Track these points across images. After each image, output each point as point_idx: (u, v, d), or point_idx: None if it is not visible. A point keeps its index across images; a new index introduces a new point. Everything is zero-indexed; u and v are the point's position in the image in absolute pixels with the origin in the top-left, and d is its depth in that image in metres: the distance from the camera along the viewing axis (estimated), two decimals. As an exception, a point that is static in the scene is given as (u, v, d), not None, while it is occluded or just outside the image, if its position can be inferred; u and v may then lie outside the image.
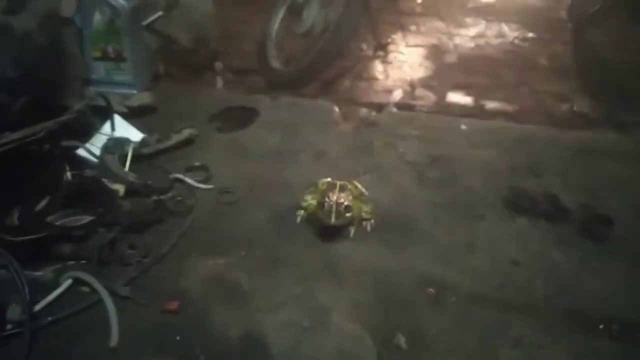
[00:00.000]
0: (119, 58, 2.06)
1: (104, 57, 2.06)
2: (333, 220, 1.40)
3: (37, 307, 1.18)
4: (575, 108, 2.19)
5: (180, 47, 2.50)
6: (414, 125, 2.01)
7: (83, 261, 1.32)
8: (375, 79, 2.50)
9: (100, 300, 1.21)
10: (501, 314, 1.27)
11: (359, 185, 1.59)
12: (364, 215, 1.51)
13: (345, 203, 1.43)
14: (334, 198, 1.43)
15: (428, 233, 1.50)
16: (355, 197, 1.51)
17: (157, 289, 1.28)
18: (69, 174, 1.30)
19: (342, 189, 1.49)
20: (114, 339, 1.12)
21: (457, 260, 1.41)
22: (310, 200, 1.51)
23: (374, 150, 1.87)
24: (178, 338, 1.17)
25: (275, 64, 2.47)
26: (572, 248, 1.45)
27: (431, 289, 1.32)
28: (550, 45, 2.70)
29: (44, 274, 1.24)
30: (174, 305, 1.22)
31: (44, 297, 1.20)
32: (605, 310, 1.28)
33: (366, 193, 1.59)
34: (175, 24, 2.53)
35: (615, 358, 1.18)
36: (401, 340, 1.19)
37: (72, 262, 1.32)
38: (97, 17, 1.98)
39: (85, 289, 1.25)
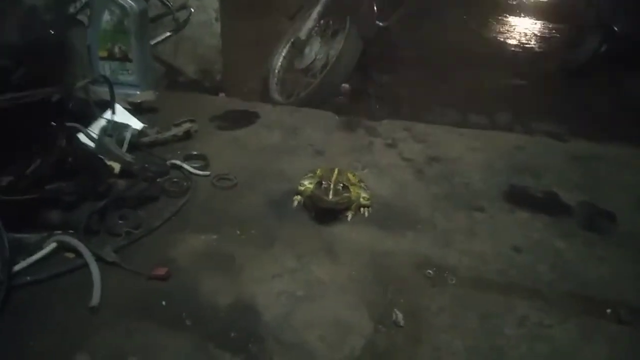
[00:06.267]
0: (124, 58, 2.08)
1: (110, 57, 2.09)
2: (331, 197, 1.34)
3: (17, 267, 1.11)
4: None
5: (185, 78, 2.57)
6: (411, 131, 2.02)
7: (71, 231, 1.26)
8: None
9: (85, 265, 1.15)
10: (504, 295, 1.21)
11: (357, 174, 1.57)
12: (362, 201, 1.47)
13: (344, 184, 1.40)
14: (333, 179, 1.40)
15: (427, 220, 1.47)
16: (353, 184, 1.49)
17: (145, 258, 1.22)
18: (63, 141, 1.27)
19: (341, 173, 1.47)
20: (95, 299, 1.05)
21: (457, 244, 1.37)
22: (308, 184, 1.47)
23: (373, 150, 1.86)
24: (164, 303, 1.10)
25: (277, 96, 2.55)
26: (575, 238, 1.42)
27: (430, 271, 1.27)
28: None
29: (28, 236, 1.19)
30: (161, 271, 1.16)
31: (26, 259, 1.14)
32: (612, 295, 1.22)
33: (364, 182, 1.56)
34: (182, 55, 2.62)
35: (623, 340, 1.11)
36: (399, 317, 1.13)
37: (59, 232, 1.26)
38: (106, 17, 2.03)
39: (70, 255, 1.19)
